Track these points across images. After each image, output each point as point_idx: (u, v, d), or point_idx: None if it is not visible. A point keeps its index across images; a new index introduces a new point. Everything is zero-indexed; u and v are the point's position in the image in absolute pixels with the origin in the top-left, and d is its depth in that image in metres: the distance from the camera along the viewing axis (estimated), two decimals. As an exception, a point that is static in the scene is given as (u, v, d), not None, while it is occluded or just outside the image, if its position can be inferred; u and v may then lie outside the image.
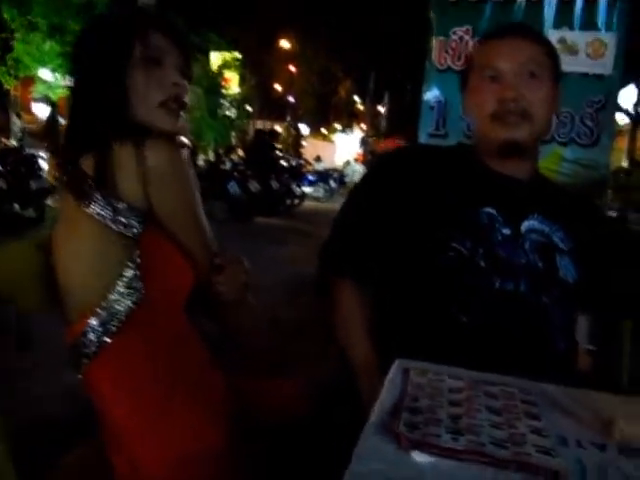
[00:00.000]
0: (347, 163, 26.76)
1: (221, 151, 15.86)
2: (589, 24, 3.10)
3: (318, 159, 23.30)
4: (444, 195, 1.46)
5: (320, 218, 9.65)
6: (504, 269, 1.40)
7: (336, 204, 1.70)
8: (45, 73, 14.59)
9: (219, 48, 20.89)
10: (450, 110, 3.20)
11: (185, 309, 1.37)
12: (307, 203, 16.73)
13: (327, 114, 41.66)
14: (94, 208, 1.25)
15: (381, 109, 38.46)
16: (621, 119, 5.11)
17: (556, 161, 3.05)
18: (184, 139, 1.37)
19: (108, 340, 1.27)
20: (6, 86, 14.76)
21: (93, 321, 1.27)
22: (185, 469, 1.24)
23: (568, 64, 2.93)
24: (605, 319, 1.79)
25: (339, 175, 22.15)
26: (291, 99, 36.68)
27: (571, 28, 3.09)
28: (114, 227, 1.26)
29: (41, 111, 16.63)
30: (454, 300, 1.38)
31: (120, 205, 1.25)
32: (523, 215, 1.46)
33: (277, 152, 16.30)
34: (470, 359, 1.21)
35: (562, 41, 3.01)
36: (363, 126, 40.82)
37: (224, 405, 1.35)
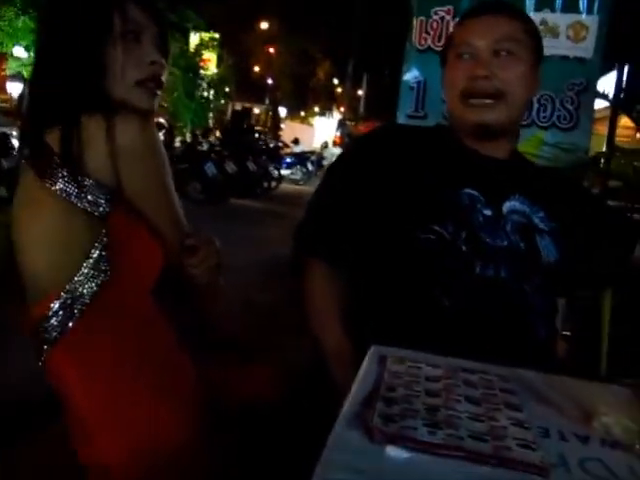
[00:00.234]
0: (325, 145, 26.69)
1: (198, 132, 15.70)
2: (570, 6, 3.07)
3: (296, 142, 23.15)
4: (423, 176, 1.43)
5: (297, 200, 9.63)
6: (485, 254, 1.37)
7: (313, 187, 1.67)
8: (19, 50, 14.33)
9: (197, 27, 20.67)
10: (430, 91, 3.16)
11: (154, 292, 1.32)
12: (284, 185, 16.68)
13: (306, 97, 41.52)
14: (59, 184, 1.19)
15: (360, 93, 38.42)
16: (602, 105, 5.10)
17: (537, 145, 3.05)
18: (161, 120, 1.31)
19: (71, 325, 1.21)
20: (-21, 63, 14.50)
21: (56, 305, 1.21)
22: (151, 459, 1.20)
23: (549, 47, 2.91)
24: (584, 300, 1.79)
25: (317, 158, 22.07)
26: (270, 81, 36.48)
27: (552, 10, 3.06)
28: (80, 204, 1.19)
29: (16, 89, 16.36)
30: (436, 283, 1.36)
31: (87, 182, 1.19)
32: (504, 196, 1.45)
33: (255, 134, 16.21)
34: (450, 344, 1.19)
35: (543, 23, 2.98)
36: (342, 109, 40.75)
37: (193, 393, 1.31)
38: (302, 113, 41.84)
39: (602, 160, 3.64)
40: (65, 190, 1.19)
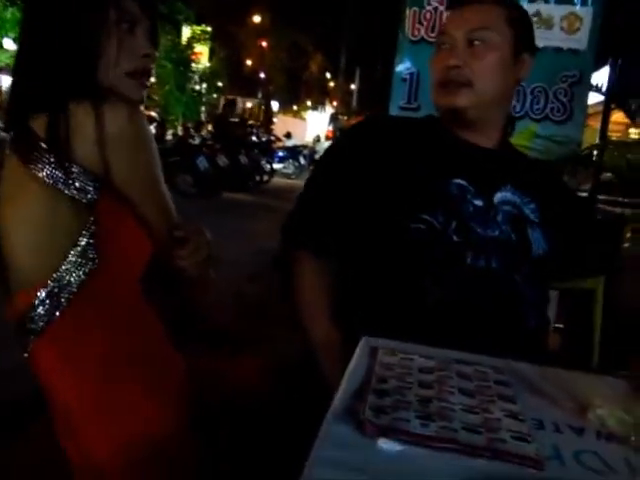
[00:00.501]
0: (317, 139, 26.65)
1: (190, 125, 15.64)
2: (564, -2, 3.06)
3: (288, 135, 23.10)
4: (412, 166, 1.43)
5: (289, 194, 9.57)
6: (476, 244, 1.37)
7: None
8: (8, 42, 14.20)
9: (188, 20, 20.57)
10: (423, 82, 3.14)
11: (143, 284, 1.30)
12: (277, 179, 16.64)
13: (298, 91, 41.43)
14: (45, 170, 1.16)
15: (353, 87, 38.37)
16: (597, 100, 5.09)
17: (529, 137, 3.04)
18: (153, 113, 1.29)
19: (58, 314, 1.19)
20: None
21: (42, 293, 1.18)
22: (138, 453, 1.18)
23: (543, 38, 2.90)
24: (576, 293, 1.79)
25: (309, 152, 22.03)
26: (262, 75, 36.37)
27: (546, 1, 3.04)
28: (67, 191, 1.17)
29: (5, 82, 16.24)
30: (427, 273, 1.35)
31: (74, 168, 1.16)
32: (495, 186, 1.44)
33: (247, 128, 16.15)
34: (440, 335, 1.19)
35: (537, 14, 2.96)
36: (335, 104, 40.69)
37: (182, 385, 1.29)
38: (295, 107, 41.76)
39: (595, 153, 3.63)
40: (52, 176, 1.16)
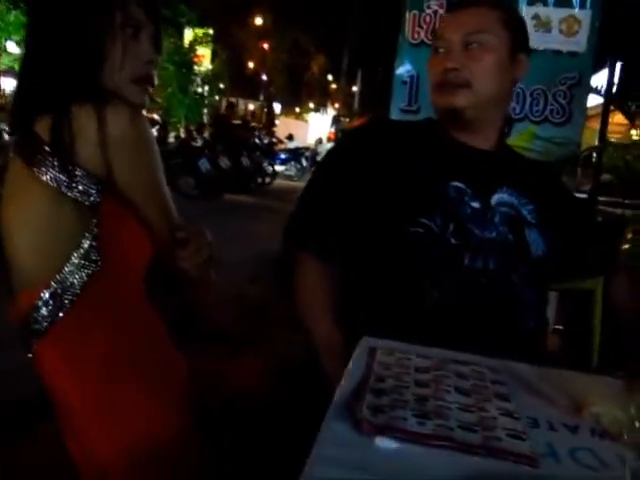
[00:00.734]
0: (319, 141, 26.63)
1: (192, 127, 15.66)
2: (563, 0, 3.06)
3: (290, 137, 23.11)
4: (411, 168, 1.44)
5: (291, 196, 9.57)
6: (474, 245, 1.38)
7: (307, 183, 1.67)
8: (12, 45, 14.23)
9: (190, 22, 20.60)
10: (423, 85, 3.14)
11: (144, 285, 1.31)
12: (279, 181, 16.62)
13: (300, 93, 41.43)
14: (49, 173, 1.18)
15: (355, 89, 38.35)
16: (596, 102, 5.10)
17: (529, 139, 3.04)
18: (155, 116, 1.30)
19: (62, 315, 1.20)
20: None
21: (46, 295, 1.20)
22: (141, 454, 1.19)
23: (542, 41, 2.91)
24: (575, 294, 1.80)
25: (311, 154, 22.00)
26: (264, 77, 36.38)
27: (545, 4, 3.05)
28: (70, 194, 1.18)
29: (9, 85, 16.26)
30: (425, 276, 1.36)
31: (77, 171, 1.18)
32: (492, 188, 1.45)
33: (250, 130, 16.15)
34: (439, 336, 1.20)
35: (536, 17, 2.97)
36: (337, 106, 40.67)
37: (184, 386, 1.30)
38: (296, 109, 41.77)
39: (594, 154, 3.63)
40: (55, 179, 1.18)
